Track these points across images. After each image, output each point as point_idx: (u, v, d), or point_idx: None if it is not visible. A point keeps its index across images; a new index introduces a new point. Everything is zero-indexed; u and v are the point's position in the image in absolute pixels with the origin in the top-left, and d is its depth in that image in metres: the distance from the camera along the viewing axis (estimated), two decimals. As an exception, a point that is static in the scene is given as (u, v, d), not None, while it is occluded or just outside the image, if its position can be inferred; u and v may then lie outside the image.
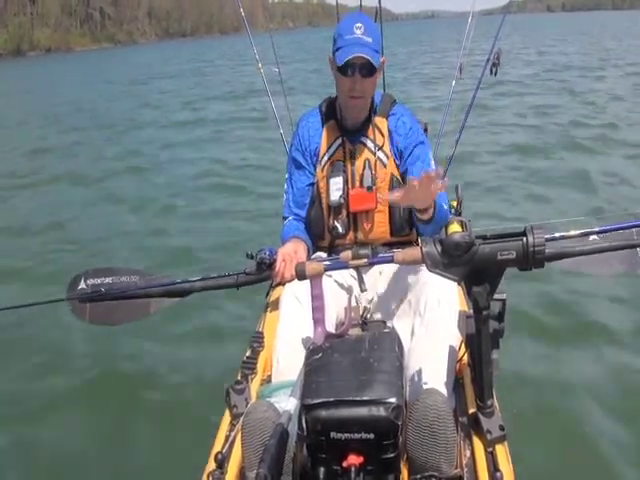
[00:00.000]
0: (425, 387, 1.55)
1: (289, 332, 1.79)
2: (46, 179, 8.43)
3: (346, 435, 1.27)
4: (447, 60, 18.74)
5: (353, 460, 1.26)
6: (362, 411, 1.28)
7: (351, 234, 2.12)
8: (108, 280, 2.25)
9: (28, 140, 11.59)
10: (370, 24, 2.02)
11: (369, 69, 1.97)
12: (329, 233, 2.14)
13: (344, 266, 1.64)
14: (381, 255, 1.64)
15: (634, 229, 1.65)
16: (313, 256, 2.10)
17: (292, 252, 1.97)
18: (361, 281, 2.03)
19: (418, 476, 1.41)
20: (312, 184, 2.17)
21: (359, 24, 1.97)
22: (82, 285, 2.25)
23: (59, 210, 6.86)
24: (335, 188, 2.08)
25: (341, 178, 2.08)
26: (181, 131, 11.48)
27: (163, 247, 5.31)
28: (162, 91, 18.93)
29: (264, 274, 2.19)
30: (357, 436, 1.27)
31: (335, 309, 1.89)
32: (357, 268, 1.97)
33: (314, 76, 19.04)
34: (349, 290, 2.02)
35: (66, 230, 6.13)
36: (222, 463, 1.50)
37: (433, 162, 2.12)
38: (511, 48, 24.22)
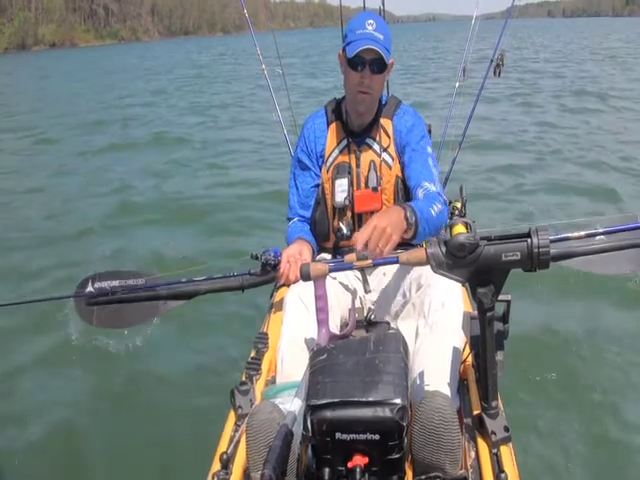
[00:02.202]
0: (430, 388, 1.55)
1: (293, 333, 1.79)
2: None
3: (351, 436, 1.27)
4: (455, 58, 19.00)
5: (358, 461, 1.26)
6: (367, 412, 1.28)
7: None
8: (115, 283, 2.25)
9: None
10: (382, 22, 2.03)
11: (379, 65, 1.98)
12: (334, 234, 2.14)
13: (348, 267, 1.63)
14: (386, 256, 1.64)
15: (638, 230, 1.65)
16: (317, 257, 2.11)
17: (297, 253, 1.97)
18: (365, 282, 2.03)
19: (423, 477, 1.41)
20: (317, 185, 2.17)
21: (371, 20, 1.99)
22: (90, 288, 2.24)
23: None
24: (340, 190, 2.08)
25: (346, 180, 2.08)
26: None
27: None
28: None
29: (269, 275, 2.19)
30: (362, 437, 1.27)
31: (339, 310, 1.89)
32: (362, 269, 1.97)
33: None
34: (353, 291, 2.02)
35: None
36: (227, 464, 1.50)
37: (432, 163, 2.07)
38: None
